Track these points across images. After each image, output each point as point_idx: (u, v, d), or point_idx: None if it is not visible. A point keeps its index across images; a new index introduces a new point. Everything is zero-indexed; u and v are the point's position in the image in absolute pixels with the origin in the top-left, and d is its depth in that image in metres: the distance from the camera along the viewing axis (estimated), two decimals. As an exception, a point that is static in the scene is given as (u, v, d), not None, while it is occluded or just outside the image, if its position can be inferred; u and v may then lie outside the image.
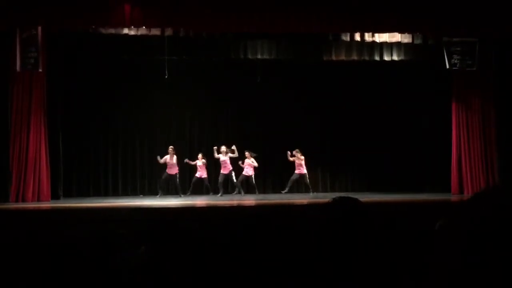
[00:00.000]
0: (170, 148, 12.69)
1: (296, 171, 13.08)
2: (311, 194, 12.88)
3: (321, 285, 2.22)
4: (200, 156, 13.02)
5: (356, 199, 2.35)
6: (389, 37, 11.96)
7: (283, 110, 14.11)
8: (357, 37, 11.90)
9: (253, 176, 13.12)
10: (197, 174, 12.93)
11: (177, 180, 12.70)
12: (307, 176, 13.13)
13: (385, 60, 12.45)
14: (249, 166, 13.11)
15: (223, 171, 12.93)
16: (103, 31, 11.21)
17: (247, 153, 13.11)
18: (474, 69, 11.86)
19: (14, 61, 10.68)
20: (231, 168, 12.99)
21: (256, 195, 12.87)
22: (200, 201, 11.61)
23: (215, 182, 13.33)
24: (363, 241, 2.25)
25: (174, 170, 12.65)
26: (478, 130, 12.31)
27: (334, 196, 2.53)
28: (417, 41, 12.08)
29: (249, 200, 11.75)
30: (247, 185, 13.35)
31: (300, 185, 13.49)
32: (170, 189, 13.19)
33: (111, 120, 13.75)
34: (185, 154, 14.13)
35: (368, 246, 2.26)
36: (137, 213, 8.66)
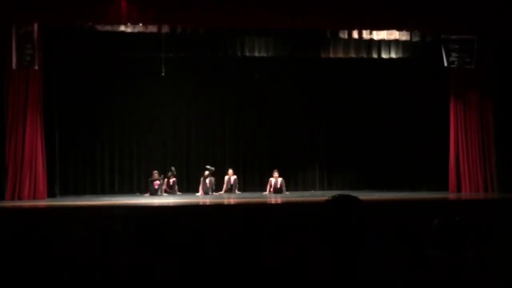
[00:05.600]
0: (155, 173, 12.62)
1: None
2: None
3: (321, 282, 2.18)
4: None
5: (356, 197, 2.32)
6: (387, 35, 11.92)
7: (280, 107, 14.10)
8: (355, 34, 11.87)
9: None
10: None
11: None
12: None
13: (383, 58, 12.43)
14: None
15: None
16: (100, 28, 11.14)
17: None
18: (472, 66, 11.84)
19: (10, 58, 10.62)
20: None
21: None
22: (197, 199, 11.55)
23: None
24: (362, 238, 2.22)
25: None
26: (476, 127, 12.29)
27: (332, 194, 2.50)
28: (415, 39, 12.05)
29: (250, 199, 11.67)
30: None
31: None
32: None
33: (107, 117, 13.71)
34: (183, 151, 14.11)
35: (367, 243, 2.22)
36: (133, 212, 8.62)
